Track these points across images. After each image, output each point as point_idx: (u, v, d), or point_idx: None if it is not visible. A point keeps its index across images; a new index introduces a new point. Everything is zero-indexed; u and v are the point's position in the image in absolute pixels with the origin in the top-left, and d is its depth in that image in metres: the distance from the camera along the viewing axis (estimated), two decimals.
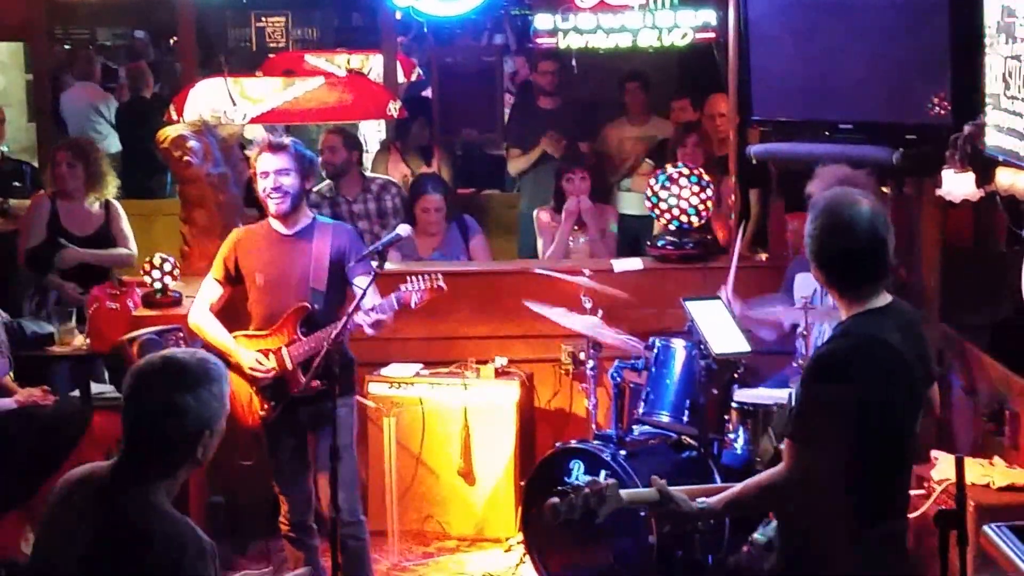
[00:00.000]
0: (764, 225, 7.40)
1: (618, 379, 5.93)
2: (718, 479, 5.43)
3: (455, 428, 6.47)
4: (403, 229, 5.29)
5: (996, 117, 4.53)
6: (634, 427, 5.92)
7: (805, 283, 5.68)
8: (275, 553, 6.02)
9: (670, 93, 8.76)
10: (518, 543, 6.14)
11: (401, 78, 9.65)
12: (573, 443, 5.79)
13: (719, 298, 5.84)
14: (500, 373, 6.53)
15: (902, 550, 3.60)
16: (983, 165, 4.74)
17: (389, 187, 7.63)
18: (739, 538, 5.13)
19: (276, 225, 5.44)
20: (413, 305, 5.25)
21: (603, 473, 5.46)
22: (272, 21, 13.89)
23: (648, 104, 8.53)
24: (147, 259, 6.39)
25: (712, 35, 7.27)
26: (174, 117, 6.92)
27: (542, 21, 7.43)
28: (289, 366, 5.34)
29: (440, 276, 5.28)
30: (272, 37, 13.88)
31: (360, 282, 5.27)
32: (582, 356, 6.12)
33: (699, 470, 5.56)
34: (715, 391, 5.63)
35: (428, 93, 9.64)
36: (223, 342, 5.34)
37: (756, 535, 3.88)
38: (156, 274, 6.34)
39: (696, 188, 6.69)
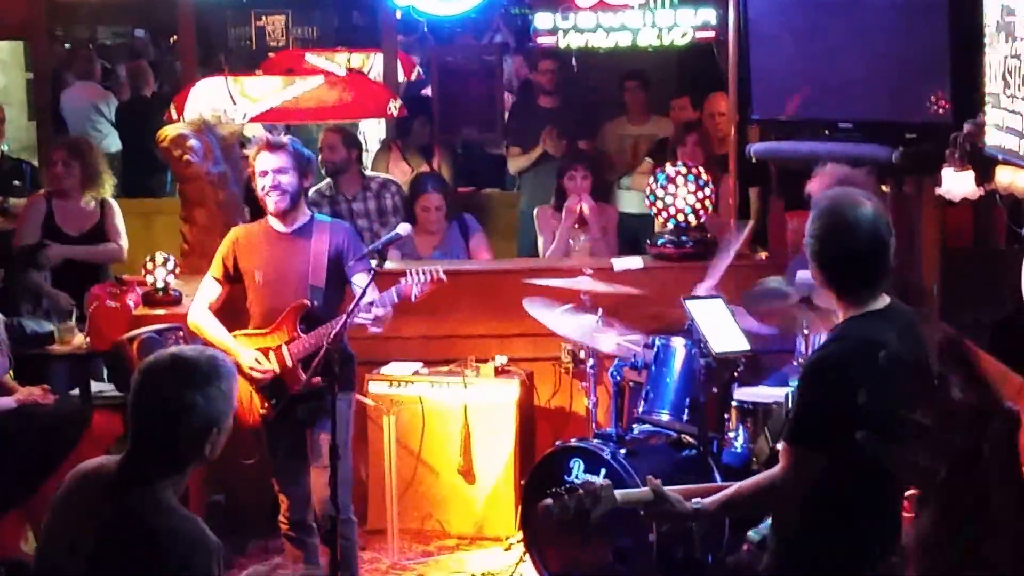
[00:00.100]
0: (764, 224, 7.40)
1: (618, 378, 5.94)
2: (718, 478, 5.43)
3: (455, 427, 6.47)
4: (403, 228, 5.30)
5: (996, 116, 4.52)
6: (634, 426, 5.92)
7: (806, 280, 5.67)
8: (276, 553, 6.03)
9: (670, 92, 8.77)
10: (518, 542, 6.14)
11: (401, 77, 9.65)
12: (573, 442, 5.79)
13: (719, 297, 5.84)
14: (500, 372, 6.54)
15: (900, 552, 3.60)
16: (983, 164, 4.74)
17: (389, 185, 7.63)
18: (739, 537, 5.13)
19: (274, 223, 5.45)
20: (414, 298, 5.25)
21: (603, 472, 5.46)
22: (272, 20, 13.89)
23: (648, 103, 8.54)
24: (147, 258, 6.40)
25: (712, 34, 7.27)
26: (174, 116, 6.93)
27: (542, 20, 7.43)
28: (289, 364, 5.34)
29: (440, 268, 5.29)
30: (272, 36, 13.87)
31: (359, 280, 5.28)
32: (582, 355, 6.12)
33: (699, 469, 5.56)
34: (715, 390, 5.64)
35: (428, 92, 9.64)
36: (223, 341, 5.34)
37: (750, 533, 3.89)
38: (157, 273, 6.34)
39: (693, 187, 6.69)
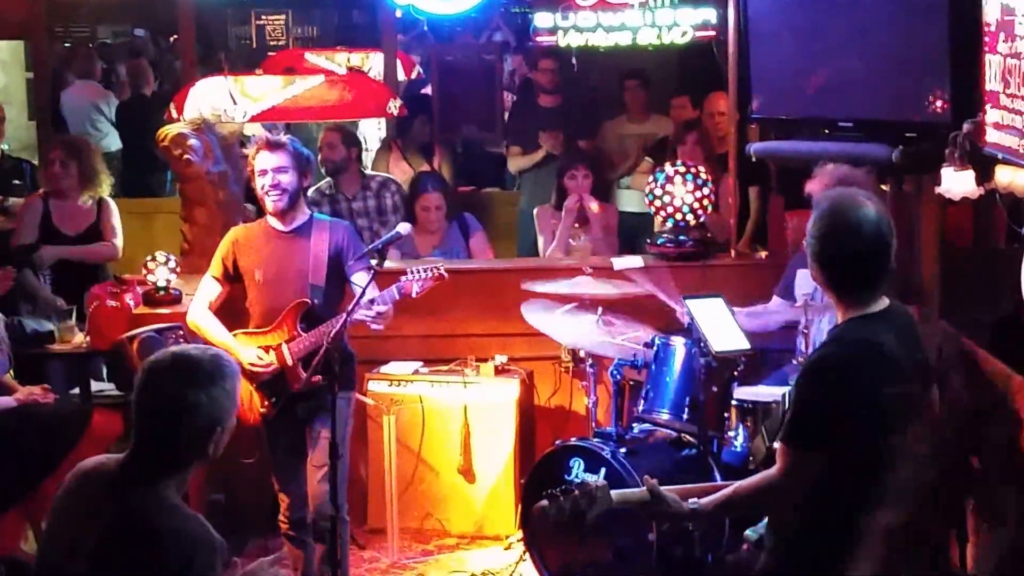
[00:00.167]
0: (764, 223, 7.41)
1: (618, 377, 5.94)
2: (718, 477, 5.44)
3: (455, 426, 6.47)
4: (403, 227, 5.30)
5: (995, 115, 4.52)
6: (634, 425, 5.92)
7: (806, 280, 5.67)
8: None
9: (670, 91, 8.77)
10: (518, 541, 6.14)
11: (401, 76, 9.65)
12: (573, 441, 5.79)
13: (719, 296, 5.84)
14: (500, 371, 6.54)
15: (897, 552, 3.60)
16: (983, 163, 4.74)
17: (388, 184, 7.64)
18: (738, 536, 5.13)
19: (274, 222, 5.45)
20: (415, 294, 5.25)
21: (603, 471, 5.47)
22: (272, 19, 13.92)
23: (648, 102, 8.54)
24: (148, 257, 6.40)
25: (712, 33, 7.27)
26: (174, 115, 6.93)
27: (542, 19, 7.44)
28: (289, 362, 5.34)
29: (442, 264, 5.30)
30: (272, 35, 13.90)
31: (359, 279, 5.28)
32: (582, 354, 6.12)
33: (699, 468, 5.56)
34: (715, 389, 5.64)
35: (428, 90, 9.64)
36: (223, 340, 5.34)
37: (747, 532, 3.89)
38: (157, 272, 6.34)
39: (691, 186, 6.68)
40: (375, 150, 9.24)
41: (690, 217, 6.70)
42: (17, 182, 8.32)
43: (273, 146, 5.37)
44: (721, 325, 5.65)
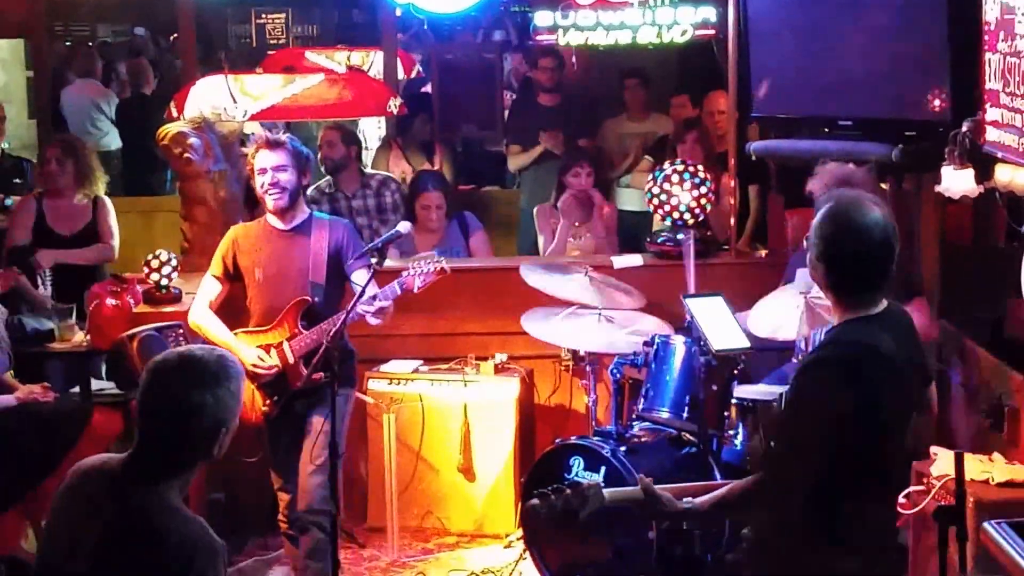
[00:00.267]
0: (763, 221, 7.41)
1: (618, 375, 5.94)
2: (718, 475, 5.44)
3: (455, 424, 6.47)
4: (403, 226, 5.30)
5: (995, 113, 4.53)
6: (634, 423, 5.92)
7: (805, 278, 5.68)
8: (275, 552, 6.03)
9: (670, 90, 8.78)
10: (518, 539, 6.14)
11: (401, 75, 9.65)
12: (573, 439, 5.79)
13: (719, 295, 5.84)
14: (500, 369, 6.54)
15: (892, 554, 3.60)
16: (982, 161, 4.75)
17: (388, 183, 7.64)
18: (738, 536, 5.14)
19: (273, 221, 5.46)
20: (416, 288, 5.25)
21: (603, 469, 5.47)
22: (272, 18, 13.91)
23: (648, 100, 8.54)
24: (148, 256, 6.40)
25: (712, 32, 7.28)
26: (174, 114, 6.93)
27: (542, 18, 7.44)
28: (291, 360, 5.35)
29: (443, 260, 5.30)
30: (272, 34, 13.90)
31: (358, 278, 5.28)
32: (582, 352, 6.12)
33: (699, 466, 5.56)
34: (715, 387, 5.63)
35: (428, 88, 9.64)
36: (224, 340, 5.34)
37: (744, 531, 3.88)
38: (160, 271, 6.34)
39: (689, 185, 6.68)
40: (375, 149, 9.24)
41: (687, 216, 6.69)
42: (17, 181, 8.33)
43: (273, 145, 5.37)
44: (721, 323, 5.65)
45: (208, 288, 5.54)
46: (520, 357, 6.63)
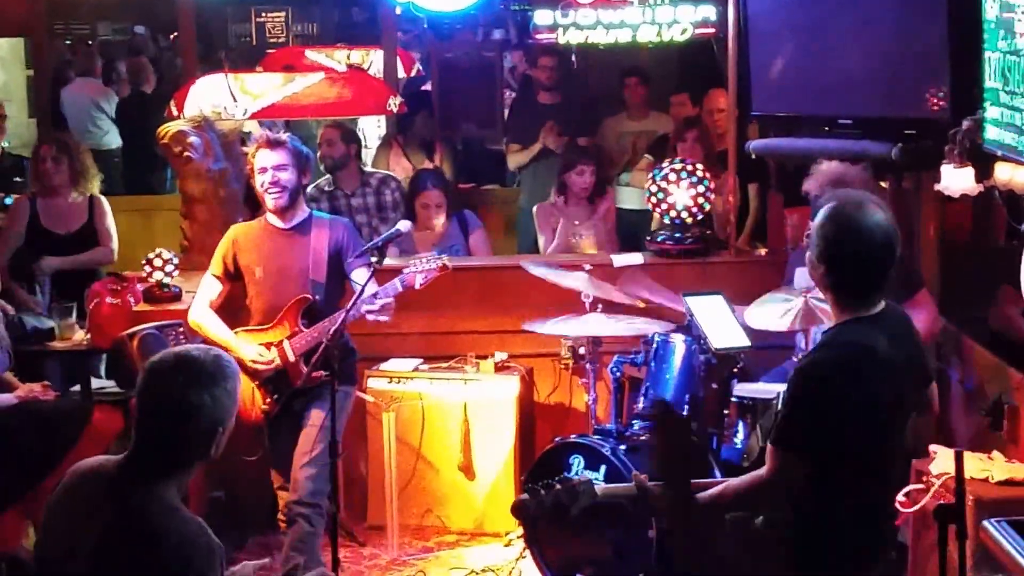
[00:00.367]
0: (763, 220, 7.41)
1: (618, 374, 5.94)
2: (717, 473, 5.44)
3: (455, 423, 6.47)
4: (403, 225, 5.32)
5: (995, 112, 4.53)
6: (634, 421, 5.92)
7: (804, 277, 5.68)
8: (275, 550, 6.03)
9: (669, 88, 8.77)
10: (518, 537, 6.14)
11: (401, 73, 9.65)
12: (573, 438, 5.79)
13: (719, 293, 5.84)
14: (500, 368, 6.54)
15: (889, 553, 3.60)
16: (982, 160, 4.75)
17: (388, 181, 7.64)
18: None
19: (273, 220, 5.47)
20: (418, 285, 5.26)
21: (603, 468, 5.47)
22: (272, 16, 13.92)
23: (647, 99, 8.53)
24: (148, 254, 6.40)
25: (711, 31, 7.28)
26: (174, 113, 6.93)
27: (542, 17, 7.44)
28: (291, 358, 5.35)
29: (444, 257, 5.31)
30: (272, 33, 13.90)
31: (358, 276, 5.29)
32: (581, 351, 6.12)
33: (698, 465, 5.55)
34: (714, 385, 5.64)
35: (428, 87, 9.64)
36: (224, 339, 5.35)
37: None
38: (161, 269, 6.34)
39: (687, 184, 6.68)
40: (375, 147, 9.24)
41: (685, 215, 6.69)
42: (18, 179, 8.33)
43: (273, 144, 5.38)
44: (721, 322, 5.65)
45: (208, 287, 5.54)
46: (520, 355, 6.63)
